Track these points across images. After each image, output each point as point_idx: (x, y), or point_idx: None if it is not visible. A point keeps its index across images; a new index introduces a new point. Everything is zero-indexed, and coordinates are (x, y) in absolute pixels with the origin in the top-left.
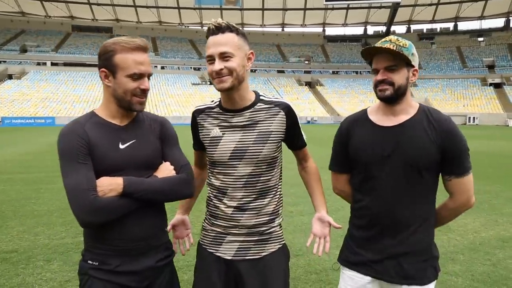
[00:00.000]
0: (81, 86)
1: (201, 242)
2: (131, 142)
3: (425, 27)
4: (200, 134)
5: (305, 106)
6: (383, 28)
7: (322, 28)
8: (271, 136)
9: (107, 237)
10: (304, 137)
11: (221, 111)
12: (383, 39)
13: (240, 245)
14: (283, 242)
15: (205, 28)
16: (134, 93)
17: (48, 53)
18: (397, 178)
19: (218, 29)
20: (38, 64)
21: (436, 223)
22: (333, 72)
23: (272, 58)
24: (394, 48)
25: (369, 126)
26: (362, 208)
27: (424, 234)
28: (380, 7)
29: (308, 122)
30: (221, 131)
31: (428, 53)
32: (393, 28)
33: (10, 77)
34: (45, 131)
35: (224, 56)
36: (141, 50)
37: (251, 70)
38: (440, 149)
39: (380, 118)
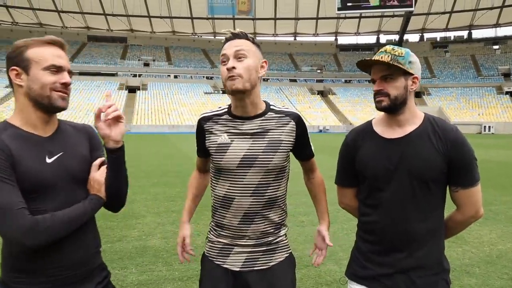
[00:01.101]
0: (95, 95)
1: (207, 254)
2: (59, 154)
3: (438, 35)
4: (206, 141)
5: (317, 115)
6: (395, 37)
7: (334, 37)
8: (281, 145)
9: (40, 267)
10: (312, 147)
11: (230, 118)
12: (380, 50)
13: (248, 256)
14: (290, 251)
15: (218, 38)
16: (53, 88)
17: None
18: (404, 191)
19: (235, 36)
20: None
21: (445, 236)
22: (346, 81)
23: (284, 67)
24: (389, 58)
25: (375, 139)
26: (370, 222)
27: (434, 247)
28: (393, 16)
29: (320, 131)
30: (229, 138)
31: (441, 62)
32: (406, 36)
33: None
34: None
35: (238, 55)
36: (56, 45)
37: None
38: (446, 159)
39: (385, 130)
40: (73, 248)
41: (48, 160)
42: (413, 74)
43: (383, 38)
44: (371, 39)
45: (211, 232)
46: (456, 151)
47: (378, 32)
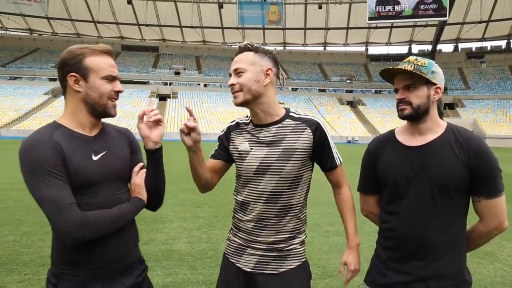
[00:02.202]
0: (128, 102)
1: (225, 251)
2: (103, 153)
3: (474, 45)
4: (230, 146)
5: (346, 126)
6: (428, 47)
7: (365, 47)
8: (296, 153)
9: (85, 260)
10: (338, 159)
11: (252, 126)
12: (404, 61)
13: (259, 259)
14: (304, 259)
15: None
16: (109, 96)
17: None
18: (424, 199)
19: (239, 51)
20: None
21: (467, 247)
22: (376, 92)
23: (314, 77)
24: (412, 68)
25: (396, 146)
26: (389, 229)
27: (454, 257)
28: (425, 26)
29: (349, 141)
30: (250, 146)
31: (477, 73)
32: (439, 46)
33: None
34: None
35: (237, 72)
36: (110, 54)
37: (292, 89)
38: (468, 168)
39: (407, 138)
40: (114, 243)
41: (94, 158)
42: (436, 84)
43: (415, 48)
44: (403, 49)
45: (230, 231)
46: (478, 160)
47: (410, 42)
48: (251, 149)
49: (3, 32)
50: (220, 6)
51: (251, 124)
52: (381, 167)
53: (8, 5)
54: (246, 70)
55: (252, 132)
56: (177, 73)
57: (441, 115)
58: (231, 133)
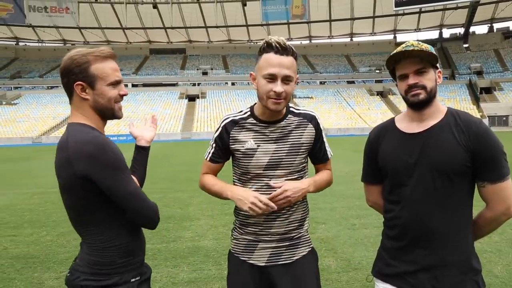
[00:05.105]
0: (158, 105)
1: (232, 250)
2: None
3: (511, 24)
4: (231, 145)
5: (377, 117)
6: (460, 30)
7: (393, 35)
8: (302, 147)
9: (139, 247)
10: (330, 152)
11: (255, 121)
12: (404, 45)
13: (272, 251)
14: (312, 245)
15: None
16: (116, 100)
17: (129, 75)
18: (425, 186)
19: (284, 51)
20: None
21: (475, 235)
22: None
23: (342, 69)
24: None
25: (396, 134)
26: (393, 218)
27: (459, 245)
28: (456, 8)
29: None
30: (255, 143)
31: None
32: (472, 28)
33: None
34: (129, 147)
35: (286, 80)
36: (113, 58)
37: (320, 82)
38: (469, 153)
39: (407, 125)
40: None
41: None
42: (438, 68)
43: (447, 33)
44: (433, 35)
45: (236, 230)
46: (479, 143)
47: (440, 26)
48: (258, 146)
49: (39, 44)
50: (244, 4)
51: (251, 118)
52: (381, 156)
53: (43, 18)
54: (293, 79)
55: (256, 129)
56: (204, 73)
57: (477, 100)
58: (230, 132)
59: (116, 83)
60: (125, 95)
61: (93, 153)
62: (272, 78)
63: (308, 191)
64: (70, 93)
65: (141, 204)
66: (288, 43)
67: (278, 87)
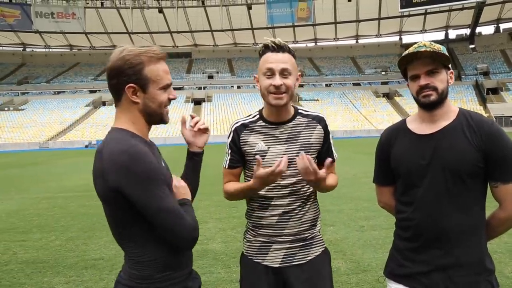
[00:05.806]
0: None
1: (246, 253)
2: (162, 159)
3: None
4: (243, 148)
5: (383, 118)
6: (467, 31)
7: (398, 37)
8: (312, 148)
9: (181, 260)
10: (335, 154)
11: (264, 123)
12: (417, 45)
13: (286, 252)
14: (324, 245)
15: None
16: (165, 105)
17: None
18: (438, 187)
19: (279, 48)
20: None
21: (489, 235)
22: None
23: (347, 71)
24: (433, 53)
25: (408, 136)
26: (405, 219)
27: (473, 245)
28: (462, 9)
29: None
30: (266, 145)
31: None
32: (478, 29)
33: (104, 104)
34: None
35: (284, 74)
36: (164, 60)
37: (326, 85)
38: (481, 153)
39: (419, 127)
40: None
41: (163, 164)
42: (450, 69)
43: (453, 34)
44: (439, 36)
45: (248, 233)
46: (492, 144)
47: (446, 27)
48: (269, 147)
49: (46, 50)
50: (249, 7)
51: (261, 121)
52: (394, 157)
53: (50, 24)
54: (292, 73)
55: (266, 130)
56: (210, 77)
57: (483, 101)
58: (241, 135)
59: (167, 87)
60: (174, 99)
61: (126, 163)
62: (270, 73)
63: (322, 179)
64: (118, 95)
65: (173, 221)
66: (283, 42)
67: (277, 80)
